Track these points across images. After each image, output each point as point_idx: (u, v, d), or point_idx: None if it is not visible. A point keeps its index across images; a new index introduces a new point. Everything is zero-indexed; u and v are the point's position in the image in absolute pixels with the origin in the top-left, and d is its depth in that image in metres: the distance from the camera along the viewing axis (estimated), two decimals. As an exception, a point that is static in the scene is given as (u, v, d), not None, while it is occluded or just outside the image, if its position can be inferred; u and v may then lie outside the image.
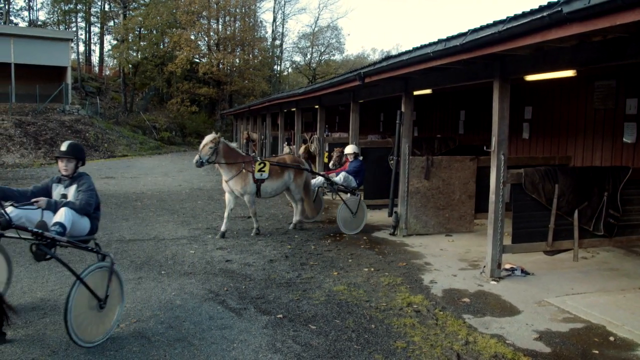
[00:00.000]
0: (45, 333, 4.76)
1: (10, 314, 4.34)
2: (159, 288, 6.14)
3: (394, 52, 41.60)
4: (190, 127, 43.21)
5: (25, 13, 55.32)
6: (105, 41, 56.30)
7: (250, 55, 49.90)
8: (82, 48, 56.83)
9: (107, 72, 53.07)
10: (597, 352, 4.52)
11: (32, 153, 26.38)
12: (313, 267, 7.19)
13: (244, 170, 8.91)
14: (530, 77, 7.30)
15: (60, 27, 51.79)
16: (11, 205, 4.60)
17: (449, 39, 6.00)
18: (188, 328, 4.94)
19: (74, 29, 53.11)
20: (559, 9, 4.14)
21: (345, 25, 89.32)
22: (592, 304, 5.63)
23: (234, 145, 9.27)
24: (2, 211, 4.30)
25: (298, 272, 6.91)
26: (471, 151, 10.69)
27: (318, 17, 70.36)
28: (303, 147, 14.56)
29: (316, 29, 56.10)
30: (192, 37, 44.88)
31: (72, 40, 41.09)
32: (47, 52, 33.72)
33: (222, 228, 9.01)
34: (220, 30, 49.26)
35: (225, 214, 9.12)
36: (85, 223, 4.91)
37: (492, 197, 6.65)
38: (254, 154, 9.70)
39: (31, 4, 55.60)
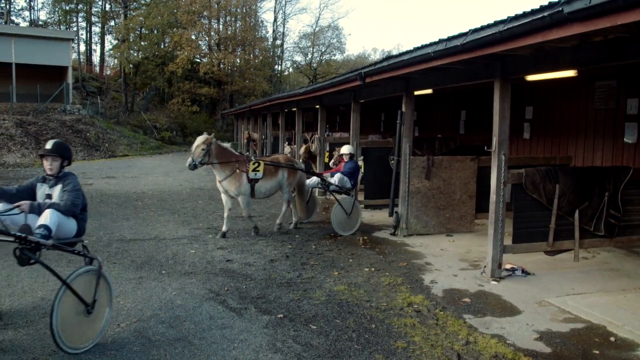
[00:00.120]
0: (46, 332, 4.75)
1: None
2: (160, 288, 6.14)
3: (394, 52, 41.63)
4: (191, 127, 43.22)
5: (26, 13, 55.42)
6: (106, 41, 56.41)
7: (251, 55, 49.88)
8: (83, 48, 56.94)
9: (108, 72, 53.12)
10: (597, 352, 4.51)
11: (33, 153, 26.39)
12: (314, 267, 7.20)
13: (237, 170, 8.82)
14: (531, 77, 7.29)
15: (61, 26, 51.82)
16: None
17: (449, 38, 6.00)
18: (188, 328, 4.94)
19: (75, 28, 53.18)
20: (560, 8, 4.14)
21: (346, 25, 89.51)
22: (592, 304, 5.63)
23: (226, 145, 9.18)
24: None
25: (299, 271, 6.91)
26: (472, 151, 10.68)
27: (319, 17, 70.61)
28: (304, 146, 14.55)
29: (317, 28, 56.12)
30: (193, 37, 44.88)
31: (73, 40, 41.11)
32: (48, 51, 33.75)
33: (223, 228, 9.01)
34: (221, 30, 49.25)
35: (225, 215, 9.11)
36: (71, 225, 4.71)
37: (492, 197, 6.65)
38: (247, 153, 9.57)
39: (32, 3, 55.67)
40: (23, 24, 51.45)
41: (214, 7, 46.48)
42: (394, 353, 4.45)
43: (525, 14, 4.69)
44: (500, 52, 5.45)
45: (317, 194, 11.59)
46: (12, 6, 51.90)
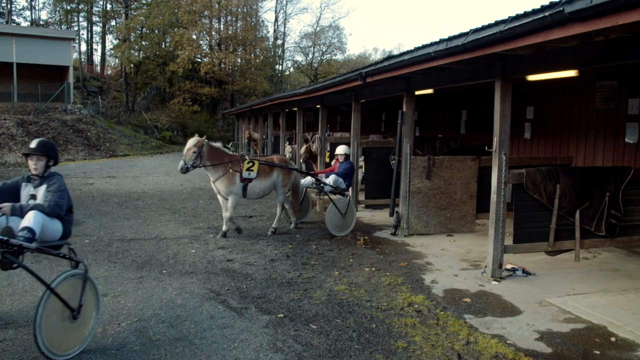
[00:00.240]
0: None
1: None
2: (160, 287, 6.14)
3: (395, 52, 41.58)
4: (192, 126, 43.20)
5: (27, 12, 55.44)
6: (107, 40, 56.49)
7: (252, 55, 49.87)
8: (84, 47, 57.01)
9: (109, 72, 53.15)
10: (598, 352, 4.51)
11: (34, 152, 26.39)
12: (314, 266, 7.20)
13: (230, 170, 8.73)
14: (532, 77, 7.29)
15: (62, 26, 51.88)
16: None
17: (450, 38, 6.00)
18: (189, 327, 4.94)
19: (76, 28, 53.22)
20: (561, 8, 4.14)
21: (347, 25, 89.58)
22: (593, 305, 5.62)
23: (218, 145, 9.07)
24: None
25: (299, 271, 6.92)
26: (473, 151, 10.68)
27: (320, 17, 70.57)
28: (305, 146, 14.55)
29: (318, 28, 56.12)
30: (194, 37, 44.89)
31: (74, 39, 41.11)
32: (49, 51, 33.76)
33: (224, 228, 9.00)
34: (221, 29, 49.24)
35: (224, 215, 9.07)
36: (56, 227, 4.56)
37: (493, 197, 6.64)
38: (242, 152, 9.45)
39: (33, 3, 55.68)
40: (24, 24, 51.51)
41: (214, 6, 46.47)
42: (395, 353, 4.45)
43: (526, 14, 4.69)
44: (501, 52, 5.44)
45: (315, 194, 11.53)
46: (13, 6, 51.97)
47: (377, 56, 62.80)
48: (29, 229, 4.20)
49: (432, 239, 8.89)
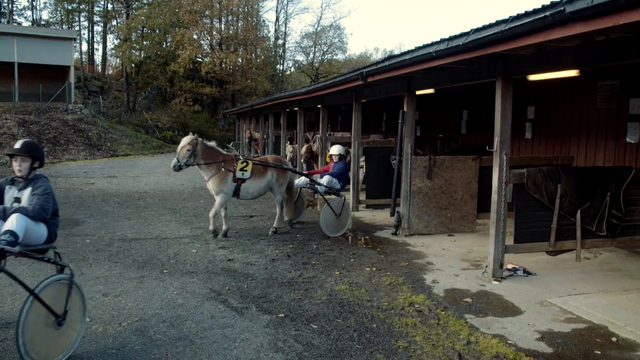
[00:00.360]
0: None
1: None
2: (161, 287, 6.15)
3: (396, 52, 41.55)
4: (193, 126, 43.22)
5: (29, 12, 55.62)
6: (108, 40, 56.60)
7: (253, 55, 49.90)
8: (85, 47, 57.10)
9: (110, 71, 53.21)
10: (599, 352, 4.51)
11: (35, 152, 26.42)
12: (315, 266, 7.20)
13: (223, 169, 8.64)
14: (533, 77, 7.28)
15: (63, 26, 51.94)
16: None
17: (451, 38, 5.99)
18: (190, 327, 4.95)
19: (77, 28, 53.29)
20: (562, 8, 4.13)
21: (348, 25, 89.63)
22: (594, 305, 5.62)
23: (212, 144, 8.99)
24: None
25: (300, 271, 6.92)
26: (474, 151, 10.67)
27: (321, 17, 70.62)
28: (305, 146, 14.55)
29: (319, 28, 56.13)
30: (195, 37, 44.91)
31: (75, 39, 41.11)
32: (50, 51, 33.80)
33: (224, 227, 8.99)
34: (222, 29, 49.26)
35: (222, 215, 9.03)
36: (41, 230, 4.39)
37: (494, 197, 6.64)
38: (236, 152, 9.36)
39: (34, 3, 55.78)
40: (25, 24, 51.59)
41: (215, 6, 46.49)
42: (395, 353, 4.45)
43: (527, 14, 4.68)
44: (502, 51, 5.44)
45: (310, 194, 11.50)
46: (14, 6, 52.02)
47: (378, 56, 62.83)
48: (12, 233, 4.05)
49: (433, 239, 8.89)
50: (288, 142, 19.55)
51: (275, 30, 55.84)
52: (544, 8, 4.41)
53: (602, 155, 9.91)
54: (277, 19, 55.91)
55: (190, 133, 9.09)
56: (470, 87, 11.93)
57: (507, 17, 5.00)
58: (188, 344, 4.57)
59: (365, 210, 11.73)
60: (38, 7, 59.44)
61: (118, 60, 50.59)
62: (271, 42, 54.67)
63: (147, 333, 4.79)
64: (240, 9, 49.32)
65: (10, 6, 50.44)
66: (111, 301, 5.63)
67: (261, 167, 9.04)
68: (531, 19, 4.56)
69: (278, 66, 57.01)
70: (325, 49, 56.10)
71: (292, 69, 60.77)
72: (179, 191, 15.31)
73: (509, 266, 6.84)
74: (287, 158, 18.81)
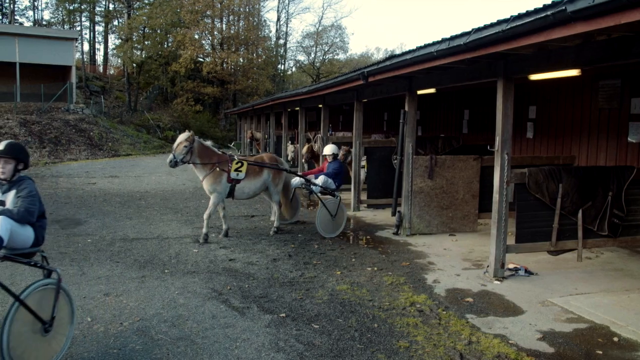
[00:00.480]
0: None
1: None
2: (163, 287, 6.15)
3: (397, 51, 41.52)
4: (194, 126, 43.20)
5: (30, 12, 55.89)
6: (109, 40, 56.57)
7: (254, 55, 49.91)
8: (86, 47, 57.09)
9: (112, 71, 53.27)
10: (600, 352, 4.50)
11: (37, 152, 26.49)
12: (316, 266, 7.20)
13: (217, 169, 8.56)
14: (534, 77, 7.27)
15: (65, 26, 51.99)
16: None
17: (452, 38, 5.99)
18: (191, 326, 4.95)
19: (79, 28, 53.31)
20: (563, 7, 4.13)
21: (349, 25, 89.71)
22: (596, 304, 5.61)
23: (208, 143, 8.94)
24: None
25: (301, 271, 6.92)
26: (475, 150, 10.66)
27: (322, 17, 70.69)
28: (307, 146, 14.55)
29: (320, 28, 56.14)
30: (196, 37, 44.94)
31: (76, 39, 41.18)
32: (52, 51, 33.86)
33: (224, 227, 8.98)
34: (224, 29, 49.30)
35: (221, 215, 8.98)
36: (28, 233, 4.22)
37: (495, 196, 6.63)
38: (230, 153, 9.25)
39: (36, 3, 56.03)
40: (27, 24, 51.69)
41: (217, 6, 46.52)
42: (397, 352, 4.45)
43: (528, 13, 4.68)
44: (503, 51, 5.43)
45: (305, 194, 11.45)
46: (16, 6, 52.09)
47: (379, 56, 62.80)
48: None
49: (435, 239, 8.89)
50: (289, 142, 19.56)
51: (277, 30, 55.93)
52: (545, 7, 4.40)
53: (604, 155, 9.90)
54: (278, 19, 56.01)
55: (187, 130, 9.01)
56: (472, 87, 11.93)
57: (508, 16, 5.00)
58: (189, 343, 4.58)
59: (367, 210, 11.73)
60: (39, 7, 59.52)
61: (119, 60, 50.68)
62: (272, 42, 54.70)
63: (149, 333, 4.79)
64: (241, 9, 49.34)
65: (12, 6, 50.52)
66: (112, 301, 5.64)
67: (256, 167, 8.97)
68: (532, 19, 4.55)
69: (279, 66, 57.06)
70: (326, 49, 56.14)
71: (294, 69, 60.82)
72: (180, 191, 15.32)
73: (511, 266, 6.83)
74: (289, 158, 18.85)
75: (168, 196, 14.17)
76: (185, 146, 8.35)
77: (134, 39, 43.60)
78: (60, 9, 52.27)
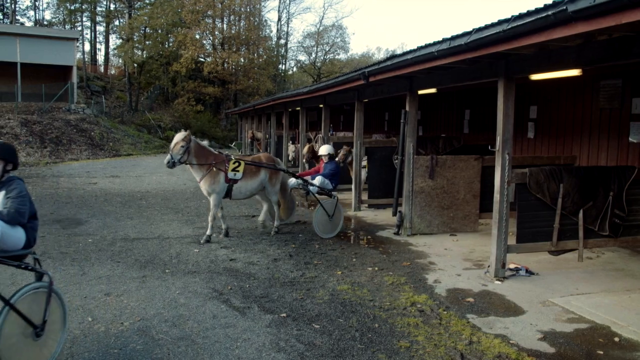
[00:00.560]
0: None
1: None
2: (163, 286, 6.16)
3: (398, 51, 41.49)
4: (195, 126, 43.25)
5: (31, 12, 55.79)
6: (110, 40, 56.57)
7: (255, 55, 49.94)
8: (87, 47, 57.12)
9: (113, 71, 53.29)
10: (601, 352, 4.50)
11: (38, 152, 26.52)
12: (317, 266, 7.20)
13: (214, 169, 8.48)
14: (535, 76, 7.27)
15: (66, 26, 52.02)
16: None
17: (453, 37, 5.98)
18: (192, 326, 4.95)
19: (80, 28, 53.34)
20: (564, 7, 4.12)
21: (350, 25, 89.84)
22: (596, 305, 5.60)
23: (205, 143, 8.84)
24: None
25: (302, 271, 6.92)
26: (476, 150, 10.66)
27: (323, 17, 70.77)
28: (307, 146, 14.54)
29: (321, 28, 56.15)
30: (197, 37, 44.98)
31: (77, 39, 41.24)
32: (53, 51, 33.90)
33: (223, 226, 8.93)
34: (225, 29, 49.33)
35: (219, 215, 8.91)
36: (18, 235, 4.09)
37: (496, 196, 6.63)
38: (226, 152, 9.16)
39: (37, 3, 55.90)
40: (28, 24, 51.79)
41: (218, 6, 46.55)
42: (397, 352, 4.45)
43: (529, 13, 4.67)
44: (504, 51, 5.43)
45: (302, 195, 11.38)
46: (17, 6, 52.14)
47: (380, 55, 62.80)
48: None
49: (435, 239, 8.88)
50: (290, 142, 19.56)
51: (278, 30, 55.96)
52: (546, 7, 4.40)
53: (605, 155, 9.89)
54: (279, 19, 56.06)
55: (182, 130, 8.93)
56: (473, 87, 11.92)
57: (509, 16, 4.99)
58: (190, 343, 4.58)
59: (368, 210, 11.72)
60: (41, 7, 59.46)
61: (120, 60, 50.74)
62: (273, 42, 54.74)
63: (149, 333, 4.79)
64: (242, 9, 49.39)
65: (13, 6, 50.58)
66: (113, 301, 5.64)
67: (253, 167, 8.89)
68: (533, 19, 4.55)
69: (280, 66, 57.07)
70: (327, 49, 56.15)
71: (295, 69, 60.82)
72: (181, 191, 15.32)
73: (511, 266, 6.83)
74: (290, 158, 18.86)
75: (169, 196, 14.18)
76: (182, 146, 8.26)
77: (135, 39, 43.63)
78: (61, 8, 52.32)
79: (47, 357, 4.02)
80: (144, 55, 44.95)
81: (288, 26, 60.56)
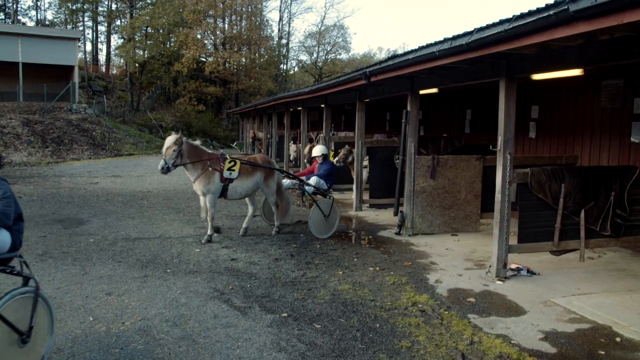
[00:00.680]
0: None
1: None
2: (165, 286, 6.16)
3: (400, 51, 41.44)
4: (196, 125, 43.33)
5: (33, 12, 55.77)
6: (112, 40, 56.64)
7: (257, 54, 49.96)
8: (89, 47, 57.21)
9: (114, 71, 53.32)
10: (603, 352, 4.49)
11: (40, 152, 26.55)
12: (318, 266, 7.20)
13: (209, 169, 8.35)
14: (536, 76, 7.25)
15: (68, 26, 52.05)
16: None
17: (454, 37, 5.98)
18: (193, 326, 4.95)
19: (81, 28, 53.37)
20: (566, 7, 4.12)
21: (352, 24, 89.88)
22: (598, 305, 5.60)
23: (197, 142, 8.72)
24: None
25: (303, 270, 6.92)
26: (477, 150, 10.64)
27: (324, 16, 70.23)
28: (309, 146, 14.56)
29: (322, 28, 56.13)
30: (199, 36, 45.00)
31: (79, 39, 41.27)
32: (55, 51, 33.91)
33: (208, 232, 8.63)
34: (226, 29, 49.35)
35: (203, 216, 8.73)
36: (3, 237, 3.92)
37: (498, 196, 6.62)
38: (222, 151, 9.05)
39: (39, 3, 56.03)
40: (30, 24, 51.87)
41: (219, 6, 46.57)
42: (398, 352, 4.44)
43: (530, 13, 4.67)
44: (506, 50, 5.42)
45: (297, 195, 11.33)
46: (18, 5, 52.20)
47: (382, 55, 62.76)
48: None
49: (437, 239, 8.88)
50: (292, 142, 19.57)
51: (279, 30, 55.93)
52: (548, 7, 4.39)
53: (607, 155, 9.87)
54: (280, 19, 56.05)
55: (174, 132, 8.80)
56: (474, 87, 11.90)
57: (510, 16, 4.99)
58: (191, 343, 4.58)
59: (369, 210, 11.72)
60: (42, 7, 59.61)
61: (122, 60, 50.74)
62: (275, 42, 54.73)
63: (150, 332, 4.80)
64: (243, 9, 49.42)
65: (14, 6, 50.62)
66: (114, 300, 5.65)
67: (249, 167, 8.79)
68: (535, 18, 4.54)
69: (282, 66, 57.06)
70: (328, 49, 56.12)
71: (296, 69, 60.79)
72: (182, 191, 15.33)
73: (513, 266, 6.82)
74: (291, 158, 18.86)
75: (170, 196, 14.19)
76: (174, 150, 8.11)
77: (137, 39, 43.64)
78: (63, 8, 52.32)
79: None
80: (146, 55, 44.96)
81: (289, 26, 60.68)
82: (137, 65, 43.55)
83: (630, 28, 4.13)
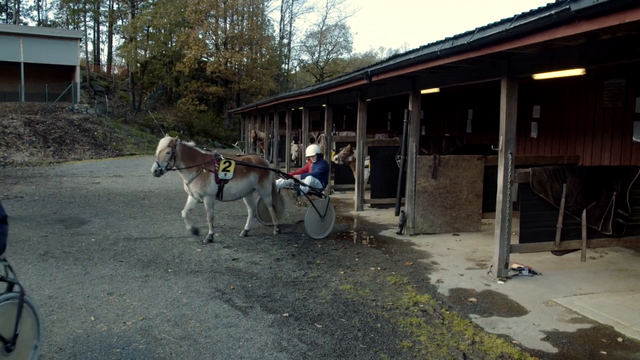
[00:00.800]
0: (52, 330, 4.79)
1: None
2: (166, 286, 6.16)
3: (401, 51, 41.40)
4: (198, 125, 43.36)
5: (35, 12, 55.80)
6: (113, 40, 56.70)
7: (258, 54, 49.98)
8: (90, 47, 57.28)
9: (116, 71, 53.36)
10: (604, 352, 4.48)
11: (41, 152, 26.58)
12: (319, 265, 7.19)
13: (204, 170, 8.28)
14: (538, 76, 7.24)
15: (69, 26, 52.13)
16: None
17: (456, 37, 5.97)
18: (194, 326, 4.95)
19: (83, 28, 53.47)
20: (567, 6, 4.11)
21: (353, 24, 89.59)
22: (600, 305, 5.59)
23: (191, 144, 8.66)
24: None
25: (304, 270, 6.91)
26: (479, 150, 10.63)
27: (326, 16, 70.64)
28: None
29: (324, 27, 56.16)
30: (200, 36, 45.02)
31: (80, 39, 41.34)
32: (56, 51, 33.95)
33: (187, 227, 8.61)
34: (228, 29, 49.36)
35: (184, 215, 8.68)
36: None
37: (499, 196, 6.61)
38: (215, 151, 8.99)
39: (40, 3, 56.05)
40: (31, 24, 51.89)
41: (220, 6, 46.59)
42: (400, 352, 4.44)
43: (532, 12, 4.66)
44: (507, 50, 5.41)
45: (292, 195, 11.30)
46: (20, 6, 52.29)
47: (383, 55, 62.74)
48: None
49: (438, 238, 8.87)
50: (293, 142, 19.56)
51: (280, 30, 55.96)
52: (549, 6, 4.38)
53: (608, 155, 9.85)
54: (282, 19, 56.09)
55: (166, 134, 8.71)
56: (476, 86, 11.89)
57: (512, 15, 4.98)
58: (192, 343, 4.58)
59: (370, 210, 11.72)
60: (44, 7, 59.68)
61: (123, 60, 50.76)
62: (276, 42, 54.75)
63: (152, 332, 4.80)
64: (245, 9, 49.42)
65: (16, 6, 50.71)
66: (116, 300, 5.65)
67: (243, 167, 8.73)
68: (536, 18, 4.53)
69: (283, 65, 57.08)
70: (330, 48, 56.15)
71: (297, 69, 60.80)
72: (183, 191, 15.25)
73: (514, 266, 6.82)
74: (292, 157, 18.85)
75: (172, 196, 14.20)
76: (168, 152, 8.02)
77: (138, 39, 43.66)
78: (65, 9, 52.39)
79: None
80: (147, 55, 45.01)
81: (291, 26, 60.77)
82: (138, 65, 43.58)
83: (633, 27, 4.12)
